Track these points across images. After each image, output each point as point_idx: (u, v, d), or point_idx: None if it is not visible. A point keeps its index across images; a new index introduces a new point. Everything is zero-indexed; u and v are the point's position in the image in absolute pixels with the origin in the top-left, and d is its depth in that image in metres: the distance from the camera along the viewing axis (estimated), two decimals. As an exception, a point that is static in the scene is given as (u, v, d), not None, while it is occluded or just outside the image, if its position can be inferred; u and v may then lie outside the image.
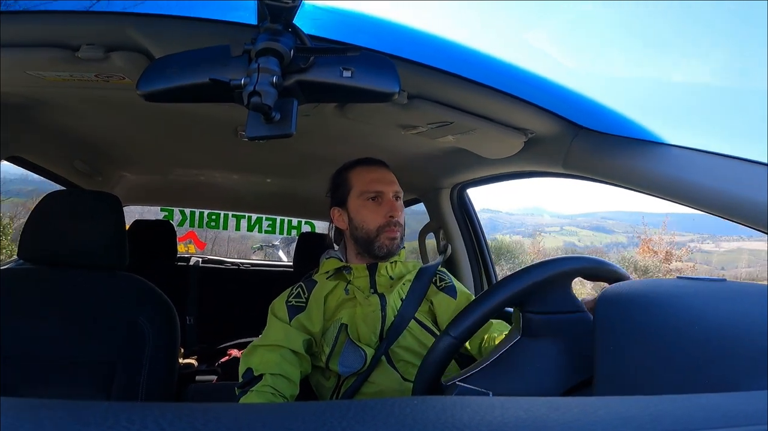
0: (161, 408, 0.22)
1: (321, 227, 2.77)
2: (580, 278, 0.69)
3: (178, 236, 2.24)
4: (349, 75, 0.49)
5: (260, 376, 0.86)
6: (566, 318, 0.64)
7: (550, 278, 0.64)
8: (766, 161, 0.62)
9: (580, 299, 0.68)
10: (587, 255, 0.75)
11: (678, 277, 0.53)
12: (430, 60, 0.69)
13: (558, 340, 0.63)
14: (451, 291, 1.01)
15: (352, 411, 0.23)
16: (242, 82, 0.45)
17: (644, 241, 9.47)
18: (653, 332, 0.44)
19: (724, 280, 0.50)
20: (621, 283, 0.56)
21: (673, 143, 0.76)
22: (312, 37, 0.50)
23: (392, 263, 1.00)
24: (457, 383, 0.63)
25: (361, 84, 0.50)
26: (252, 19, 0.52)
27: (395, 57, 0.64)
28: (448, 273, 1.08)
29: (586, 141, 0.87)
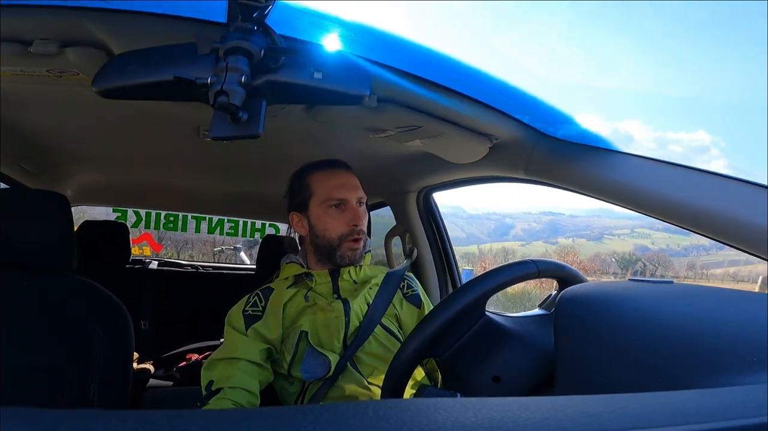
0: (121, 416, 0.21)
1: (286, 230, 2.72)
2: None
3: (132, 237, 2.13)
4: (320, 77, 0.49)
5: (218, 390, 0.85)
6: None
7: (510, 281, 0.66)
8: (715, 172, 0.66)
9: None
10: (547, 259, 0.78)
11: (630, 279, 0.55)
12: (400, 64, 0.69)
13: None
14: (416, 300, 1.02)
15: (323, 415, 0.23)
16: (209, 80, 0.44)
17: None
18: (606, 332, 0.45)
19: (672, 282, 0.53)
20: (578, 285, 0.58)
21: (627, 152, 0.81)
22: (283, 38, 0.49)
23: (356, 267, 0.99)
24: (425, 385, 0.63)
25: (332, 86, 0.50)
26: (220, 17, 0.50)
27: (366, 60, 0.65)
28: (415, 279, 1.08)
29: (547, 148, 0.90)
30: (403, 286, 1.03)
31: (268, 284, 1.00)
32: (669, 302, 0.46)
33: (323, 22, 0.61)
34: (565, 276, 0.73)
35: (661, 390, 0.29)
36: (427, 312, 0.99)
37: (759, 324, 0.34)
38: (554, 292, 0.78)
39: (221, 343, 0.94)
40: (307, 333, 0.90)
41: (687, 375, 0.34)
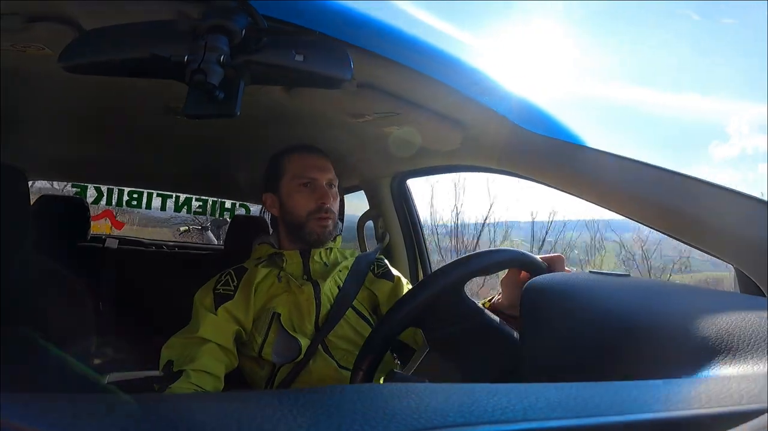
0: (87, 400, 0.21)
1: (256, 210, 2.67)
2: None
3: (92, 214, 2.04)
4: (301, 59, 0.48)
5: (180, 372, 0.81)
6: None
7: (485, 268, 0.68)
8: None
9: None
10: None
11: (590, 271, 0.58)
12: (381, 49, 0.69)
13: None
14: (387, 276, 1.04)
15: (298, 399, 0.24)
16: (185, 58, 0.42)
17: None
18: (566, 321, 0.48)
19: (628, 275, 0.56)
20: (544, 275, 0.60)
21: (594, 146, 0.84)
22: (265, 18, 0.48)
23: (327, 249, 1.00)
24: (395, 371, 0.65)
25: (313, 69, 0.49)
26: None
27: (347, 44, 0.64)
28: (384, 259, 1.10)
29: (520, 140, 0.92)
30: (374, 267, 1.04)
31: (241, 264, 0.99)
32: (621, 293, 0.48)
33: (306, 4, 0.60)
34: (534, 268, 0.75)
35: (610, 379, 0.31)
36: (401, 285, 1.02)
37: (702, 317, 0.36)
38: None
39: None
40: (279, 315, 0.89)
41: (636, 365, 0.37)
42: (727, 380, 0.28)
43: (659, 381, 0.28)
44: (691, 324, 0.36)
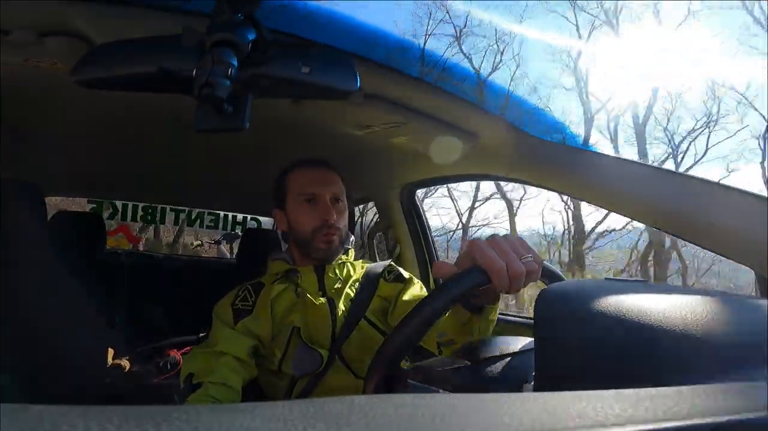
0: (105, 412, 0.20)
1: (268, 223, 2.69)
2: None
3: (108, 229, 2.07)
4: (308, 71, 0.48)
5: (199, 384, 0.83)
6: None
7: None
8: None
9: None
10: None
11: (605, 278, 0.57)
12: (387, 60, 0.70)
13: None
14: (399, 279, 1.03)
15: (309, 409, 0.23)
16: (194, 73, 0.43)
17: None
18: (581, 328, 0.47)
19: (646, 281, 0.55)
20: (557, 283, 0.59)
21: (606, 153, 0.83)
22: (271, 31, 0.49)
23: (340, 264, 1.00)
24: (409, 381, 0.64)
25: (320, 81, 0.50)
26: (208, 9, 0.49)
27: (354, 55, 0.64)
28: (395, 265, 1.09)
29: (530, 147, 0.92)
30: (385, 274, 1.03)
31: (258, 280, 0.99)
32: (640, 300, 0.47)
33: (312, 16, 0.61)
34: (547, 274, 0.74)
35: (630, 386, 0.30)
36: (412, 284, 1.00)
37: (726, 325, 0.35)
38: None
39: (200, 338, 0.93)
40: (299, 328, 0.90)
41: (656, 373, 0.36)
42: (751, 388, 0.27)
43: (678, 388, 0.27)
44: (712, 329, 0.35)
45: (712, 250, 0.64)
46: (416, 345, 0.70)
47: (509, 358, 0.60)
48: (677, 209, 0.66)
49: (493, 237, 0.59)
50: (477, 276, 0.57)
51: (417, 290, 0.99)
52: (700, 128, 6.83)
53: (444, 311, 0.57)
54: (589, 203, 0.82)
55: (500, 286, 0.57)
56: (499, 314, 0.77)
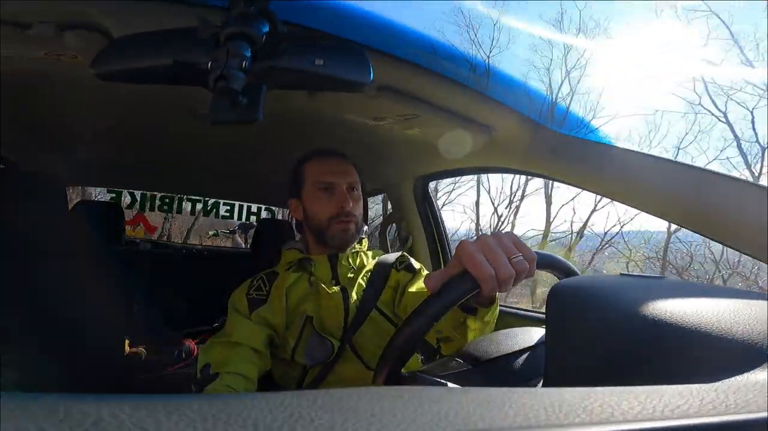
0: (118, 400, 0.21)
1: (281, 213, 2.72)
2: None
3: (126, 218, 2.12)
4: (321, 63, 0.48)
5: (216, 374, 0.84)
6: None
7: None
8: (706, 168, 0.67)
9: None
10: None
11: (620, 274, 0.56)
12: (401, 52, 0.69)
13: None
14: (409, 268, 1.03)
15: (317, 400, 0.24)
16: (209, 65, 0.44)
17: None
18: (594, 324, 0.46)
19: (664, 277, 0.54)
20: (570, 278, 0.58)
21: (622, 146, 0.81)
22: (285, 24, 0.49)
23: (353, 253, 1.00)
24: (417, 374, 0.64)
25: (333, 73, 0.50)
26: (222, 2, 0.50)
27: (367, 47, 0.64)
28: (406, 254, 1.09)
29: (545, 140, 0.90)
30: (396, 264, 1.03)
31: (272, 269, 1.01)
32: (657, 297, 0.46)
33: (325, 8, 0.60)
34: (560, 269, 0.73)
35: (643, 384, 0.30)
36: (421, 276, 1.00)
37: (740, 324, 0.34)
38: None
39: (215, 328, 0.95)
40: (312, 317, 0.91)
41: (670, 370, 0.35)
42: (761, 386, 0.26)
43: (693, 386, 0.27)
44: (727, 326, 0.34)
45: (728, 245, 0.63)
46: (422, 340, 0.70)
47: (515, 356, 0.60)
48: (695, 202, 0.65)
49: (481, 238, 0.58)
50: (466, 284, 0.55)
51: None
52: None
53: (434, 321, 0.57)
54: (604, 197, 0.81)
55: (489, 292, 0.56)
56: (514, 308, 0.76)
